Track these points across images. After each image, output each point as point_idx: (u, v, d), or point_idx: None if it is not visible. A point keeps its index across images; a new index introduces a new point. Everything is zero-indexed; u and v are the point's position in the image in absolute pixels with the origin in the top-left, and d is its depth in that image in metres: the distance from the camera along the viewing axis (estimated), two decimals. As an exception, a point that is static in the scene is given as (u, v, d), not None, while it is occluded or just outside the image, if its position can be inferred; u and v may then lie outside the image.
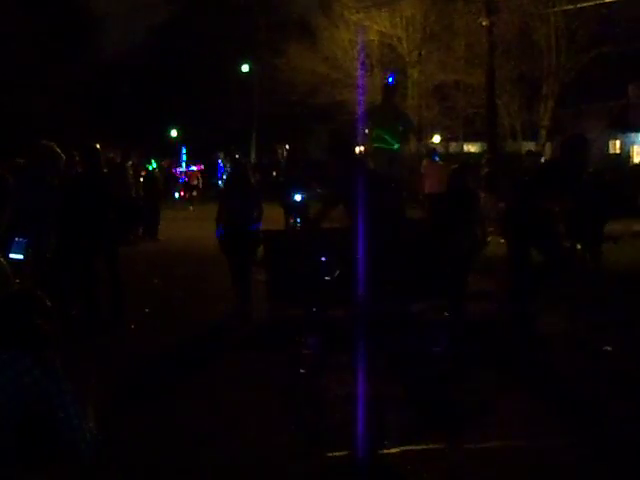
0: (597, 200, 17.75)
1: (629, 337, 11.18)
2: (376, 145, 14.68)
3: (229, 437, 7.49)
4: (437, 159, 26.16)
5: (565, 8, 34.46)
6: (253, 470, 6.80)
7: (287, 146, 62.47)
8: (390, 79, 16.51)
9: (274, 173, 48.74)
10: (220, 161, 47.12)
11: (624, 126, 49.79)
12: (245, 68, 58.29)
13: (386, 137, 14.58)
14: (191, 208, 33.98)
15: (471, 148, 50.87)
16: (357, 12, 39.97)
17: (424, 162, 25.94)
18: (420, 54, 41.19)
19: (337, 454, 7.03)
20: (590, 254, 17.66)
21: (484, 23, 29.79)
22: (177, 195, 42.21)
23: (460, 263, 12.30)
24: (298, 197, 22.83)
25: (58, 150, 10.60)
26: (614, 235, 19.25)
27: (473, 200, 13.02)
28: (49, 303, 4.66)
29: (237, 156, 43.85)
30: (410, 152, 30.49)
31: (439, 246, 12.11)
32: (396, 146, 14.72)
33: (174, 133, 64.01)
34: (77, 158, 12.93)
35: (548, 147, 40.58)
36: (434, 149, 29.15)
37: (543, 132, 38.95)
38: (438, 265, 11.97)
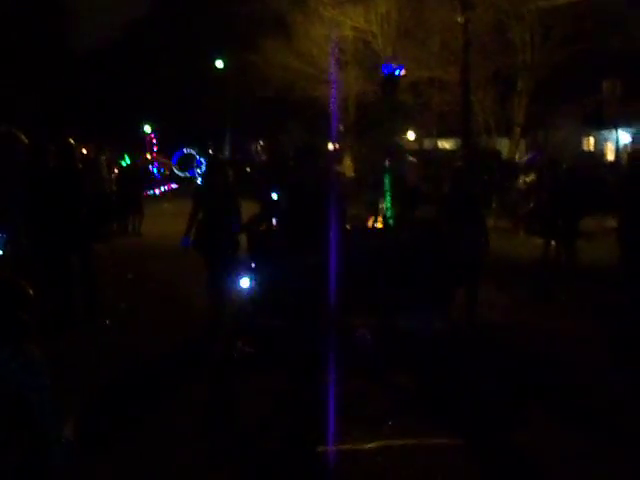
0: (572, 196, 17.80)
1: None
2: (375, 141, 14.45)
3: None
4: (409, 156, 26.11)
5: (540, 5, 34.53)
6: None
7: (261, 142, 62.41)
8: (397, 71, 15.03)
9: (248, 169, 48.54)
10: (198, 157, 46.55)
11: (598, 123, 49.98)
12: (219, 64, 58.08)
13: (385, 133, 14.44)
14: (169, 204, 33.57)
15: (445, 144, 50.89)
16: (332, 8, 39.84)
17: (409, 158, 25.89)
18: (395, 50, 41.12)
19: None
20: (565, 250, 17.70)
21: (459, 20, 29.80)
22: (157, 192, 41.71)
23: (467, 270, 12.14)
24: (275, 196, 22.59)
25: (17, 134, 10.47)
26: (588, 232, 19.36)
27: (476, 202, 12.82)
28: (31, 292, 4.55)
29: (210, 151, 43.74)
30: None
31: (445, 251, 11.84)
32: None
33: (147, 128, 63.72)
34: (52, 150, 12.72)
35: (522, 143, 40.71)
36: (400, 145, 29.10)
37: (517, 129, 39.02)
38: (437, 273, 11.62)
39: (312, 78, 42.56)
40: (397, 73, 14.65)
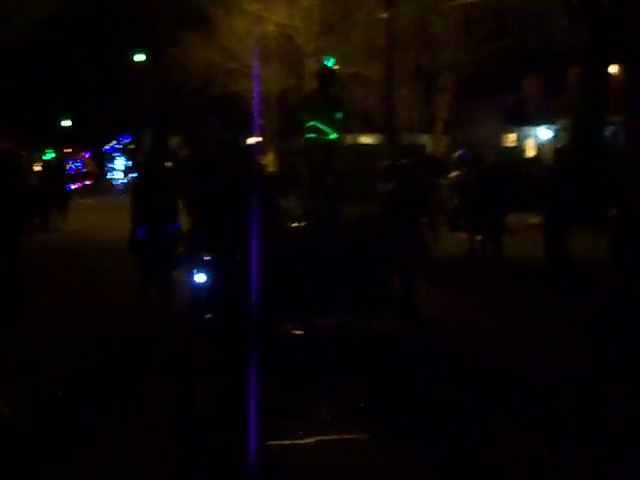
0: (497, 192, 17.90)
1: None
2: (309, 136, 13.72)
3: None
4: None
5: (463, 2, 34.75)
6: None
7: (180, 137, 61.94)
8: (330, 62, 14.79)
9: (169, 164, 48.15)
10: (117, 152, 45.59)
11: (519, 119, 50.56)
12: (140, 57, 57.51)
13: (321, 127, 13.71)
14: (84, 200, 32.96)
15: (366, 140, 50.92)
16: (255, 2, 39.60)
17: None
18: (317, 45, 41.02)
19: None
20: (490, 246, 17.81)
21: (383, 16, 29.75)
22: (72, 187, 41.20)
23: (406, 267, 11.95)
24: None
25: None
26: (511, 227, 19.50)
27: (420, 197, 12.61)
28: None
29: (131, 147, 43.23)
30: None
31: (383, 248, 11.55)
32: (333, 135, 13.80)
33: (66, 123, 62.96)
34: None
35: (444, 139, 40.91)
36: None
37: (440, 125, 39.23)
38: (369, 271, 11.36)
39: (234, 72, 42.28)
40: (330, 64, 14.48)
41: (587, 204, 19.43)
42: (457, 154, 21.72)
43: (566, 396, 8.88)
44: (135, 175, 36.48)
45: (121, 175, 39.32)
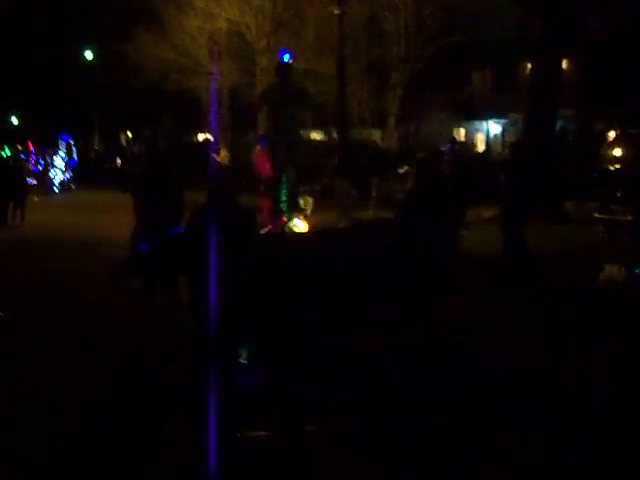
0: (457, 187, 18.11)
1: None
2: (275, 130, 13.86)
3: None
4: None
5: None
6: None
7: (129, 133, 61.58)
8: (286, 57, 14.68)
9: (118, 160, 47.84)
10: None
11: (468, 114, 50.90)
12: (89, 55, 57.18)
13: (286, 121, 13.76)
14: (35, 198, 32.44)
15: (317, 136, 50.98)
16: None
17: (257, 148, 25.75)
18: (269, 42, 41.07)
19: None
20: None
21: (335, 12, 29.86)
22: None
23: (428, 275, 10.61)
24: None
25: None
26: (467, 221, 19.70)
27: (443, 197, 11.70)
28: None
29: (72, 143, 42.76)
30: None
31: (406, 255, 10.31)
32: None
33: (15, 121, 62.38)
34: None
35: (395, 134, 41.08)
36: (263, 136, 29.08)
37: (392, 120, 39.43)
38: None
39: (186, 69, 42.25)
40: (286, 59, 14.58)
41: (540, 198, 19.76)
42: (442, 149, 21.94)
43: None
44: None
45: (59, 173, 38.45)
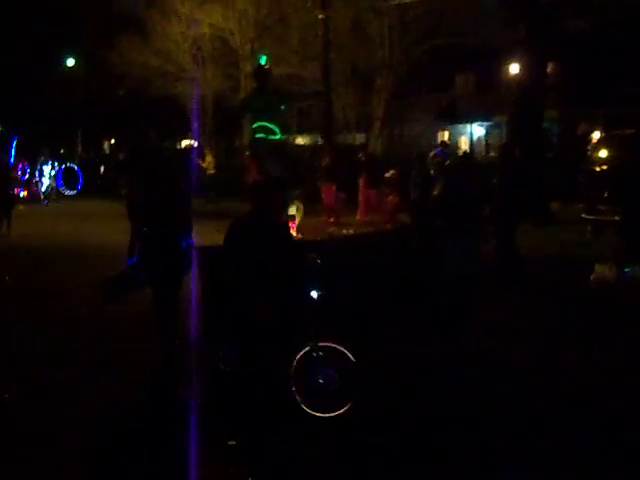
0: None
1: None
2: (258, 136, 13.42)
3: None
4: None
5: (398, 2, 35.12)
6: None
7: (112, 140, 61.51)
8: (262, 60, 14.20)
9: (102, 168, 47.70)
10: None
11: (452, 117, 51.06)
12: (71, 62, 57.04)
13: (269, 126, 13.38)
14: (21, 207, 32.06)
15: (301, 140, 51.09)
16: (189, 5, 39.61)
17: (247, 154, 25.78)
18: (253, 47, 41.11)
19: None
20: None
21: (320, 16, 29.88)
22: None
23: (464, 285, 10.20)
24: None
25: None
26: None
27: (475, 205, 10.85)
28: None
29: (62, 151, 42.54)
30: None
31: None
32: (279, 135, 13.47)
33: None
34: None
35: (380, 139, 41.13)
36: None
37: (377, 124, 39.48)
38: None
39: (170, 76, 42.24)
40: (262, 62, 14.14)
41: (527, 200, 19.81)
42: (432, 154, 22.02)
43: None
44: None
45: (47, 182, 37.41)
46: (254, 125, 13.58)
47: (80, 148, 61.06)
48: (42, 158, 38.83)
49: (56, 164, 39.27)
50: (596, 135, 33.96)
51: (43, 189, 37.80)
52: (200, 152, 38.34)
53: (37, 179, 38.18)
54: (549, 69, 30.24)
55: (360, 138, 42.67)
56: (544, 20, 26.55)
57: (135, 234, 9.50)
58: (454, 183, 10.72)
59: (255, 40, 40.82)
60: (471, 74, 49.37)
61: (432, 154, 22.51)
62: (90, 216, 28.91)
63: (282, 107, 14.03)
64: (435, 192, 10.96)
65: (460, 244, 10.12)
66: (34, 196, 37.06)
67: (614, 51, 37.51)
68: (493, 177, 16.20)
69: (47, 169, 38.34)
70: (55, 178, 39.05)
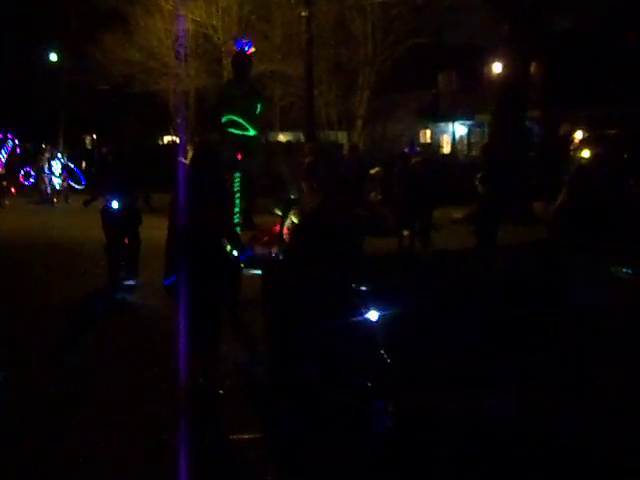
0: (425, 188, 18.16)
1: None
2: (230, 132, 11.98)
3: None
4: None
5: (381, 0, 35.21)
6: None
7: (94, 135, 61.29)
8: (246, 47, 12.35)
9: (84, 163, 47.42)
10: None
11: (434, 116, 51.14)
12: (53, 57, 56.77)
13: (240, 121, 11.96)
14: (7, 202, 31.52)
15: (283, 138, 51.01)
16: (173, 1, 39.47)
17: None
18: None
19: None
20: (419, 241, 18.04)
21: (303, 14, 29.84)
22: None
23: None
24: None
25: None
26: (436, 223, 19.74)
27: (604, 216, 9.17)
28: None
29: (44, 146, 42.22)
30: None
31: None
32: (252, 132, 12.07)
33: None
34: None
35: (362, 136, 41.13)
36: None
37: (359, 122, 39.53)
38: None
39: (153, 71, 42.07)
40: (246, 49, 12.42)
41: (509, 200, 19.83)
42: (405, 150, 22.00)
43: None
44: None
45: (58, 181, 33.53)
46: (223, 119, 12.03)
47: (62, 143, 60.88)
48: (46, 155, 34.63)
49: (64, 160, 35.39)
50: (578, 135, 34.10)
51: (49, 189, 33.69)
52: (182, 149, 38.17)
53: (47, 175, 33.75)
54: (532, 68, 30.29)
55: (342, 136, 42.71)
56: (528, 19, 26.61)
57: (176, 248, 8.00)
58: (584, 189, 9.38)
59: (238, 36, 40.74)
60: (454, 72, 49.43)
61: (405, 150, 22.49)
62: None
63: (259, 106, 12.30)
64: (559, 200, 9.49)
65: (587, 269, 7.90)
66: (42, 194, 33.58)
67: (598, 51, 37.60)
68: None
69: (57, 165, 34.01)
70: (65, 174, 35.40)
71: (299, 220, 7.55)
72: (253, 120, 12.14)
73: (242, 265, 9.76)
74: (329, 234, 6.84)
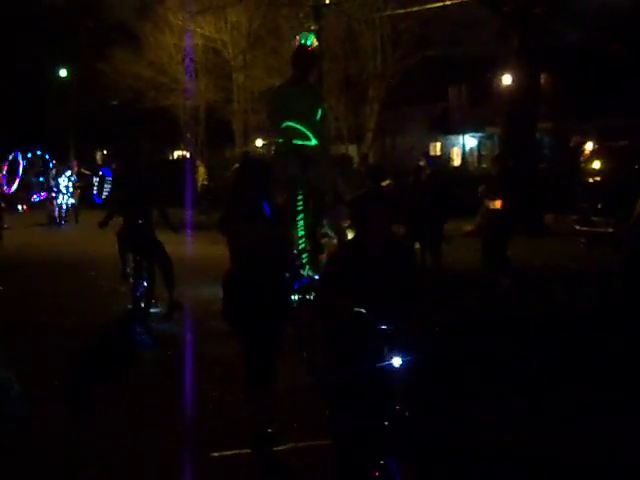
0: (436, 200, 18.06)
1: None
2: (293, 142, 10.18)
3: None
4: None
5: (390, 13, 35.20)
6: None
7: (104, 151, 61.40)
8: (309, 41, 10.50)
9: (94, 179, 47.40)
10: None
11: (444, 129, 51.07)
12: (63, 73, 56.95)
13: (301, 128, 10.17)
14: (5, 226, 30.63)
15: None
16: (182, 17, 39.60)
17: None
18: (245, 58, 41.21)
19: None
20: (430, 254, 17.93)
21: (312, 28, 29.90)
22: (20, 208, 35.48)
23: None
24: None
25: None
26: (447, 235, 19.64)
27: None
28: None
29: (50, 158, 42.13)
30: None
31: None
32: (313, 141, 10.19)
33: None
34: None
35: (372, 149, 41.09)
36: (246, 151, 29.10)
37: (369, 135, 39.52)
38: None
39: (163, 87, 42.24)
40: (309, 43, 10.42)
41: (522, 211, 19.77)
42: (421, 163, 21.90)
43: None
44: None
45: (66, 198, 31.28)
46: (282, 125, 10.27)
47: (72, 158, 60.93)
48: (54, 171, 32.79)
49: (73, 177, 33.85)
50: (589, 147, 34.01)
51: (56, 211, 31.50)
52: (192, 163, 38.26)
53: (55, 193, 31.70)
54: (542, 81, 30.22)
55: (352, 149, 42.69)
56: (537, 32, 26.58)
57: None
58: None
59: (247, 51, 40.92)
60: (464, 85, 49.34)
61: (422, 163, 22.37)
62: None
63: (320, 111, 10.47)
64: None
65: None
66: (50, 216, 31.44)
67: (607, 63, 37.57)
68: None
69: (63, 182, 31.96)
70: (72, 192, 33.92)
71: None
72: (314, 127, 10.32)
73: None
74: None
